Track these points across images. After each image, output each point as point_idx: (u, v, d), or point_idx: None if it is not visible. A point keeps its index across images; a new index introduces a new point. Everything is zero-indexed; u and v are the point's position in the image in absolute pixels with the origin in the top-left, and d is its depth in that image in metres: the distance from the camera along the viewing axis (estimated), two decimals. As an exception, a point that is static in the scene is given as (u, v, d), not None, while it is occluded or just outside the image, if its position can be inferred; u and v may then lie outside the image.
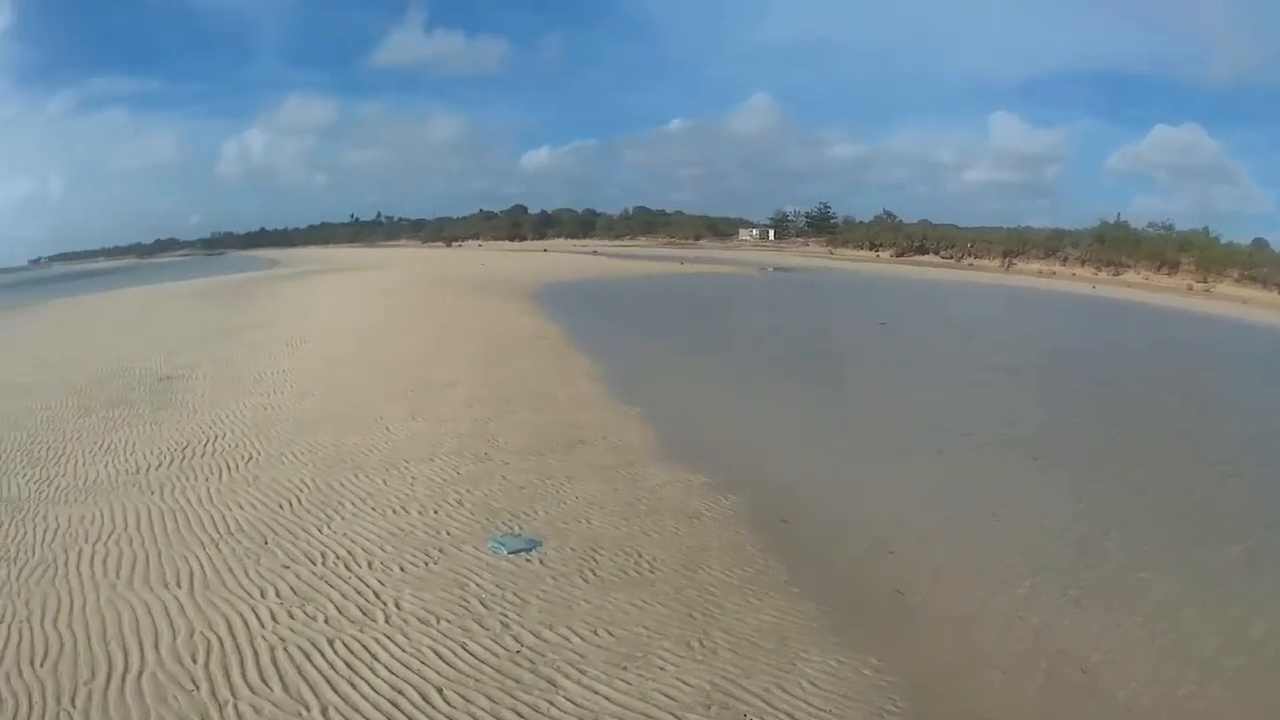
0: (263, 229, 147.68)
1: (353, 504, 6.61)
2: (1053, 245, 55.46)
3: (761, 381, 13.66)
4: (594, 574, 5.45)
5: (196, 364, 13.32)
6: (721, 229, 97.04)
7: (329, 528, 6.11)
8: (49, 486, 7.25)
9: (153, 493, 6.98)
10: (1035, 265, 53.83)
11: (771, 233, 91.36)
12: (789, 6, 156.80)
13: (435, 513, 6.43)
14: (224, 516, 6.34)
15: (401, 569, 5.45)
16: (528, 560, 5.60)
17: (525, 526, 6.22)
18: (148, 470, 7.62)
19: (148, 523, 6.28)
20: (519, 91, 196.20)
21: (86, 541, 5.91)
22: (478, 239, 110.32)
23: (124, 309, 26.84)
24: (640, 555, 5.78)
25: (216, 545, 5.80)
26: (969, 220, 72.75)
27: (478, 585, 5.23)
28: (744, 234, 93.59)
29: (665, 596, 5.15)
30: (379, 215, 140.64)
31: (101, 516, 6.43)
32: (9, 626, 4.64)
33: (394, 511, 6.44)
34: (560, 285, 33.14)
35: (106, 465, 7.82)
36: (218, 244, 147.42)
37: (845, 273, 49.28)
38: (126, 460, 7.97)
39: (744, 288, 39.38)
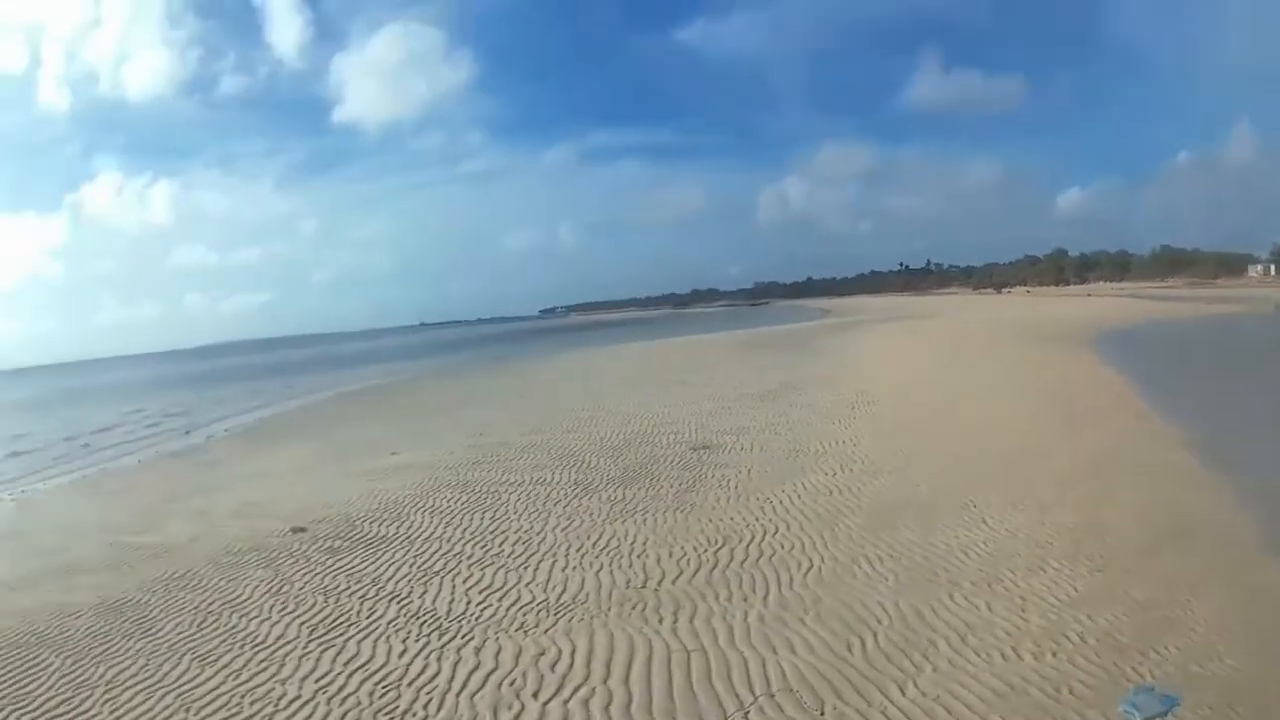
0: (809, 278, 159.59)
1: (948, 643, 4.68)
2: None
3: None
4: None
5: (741, 429, 11.35)
6: (1233, 266, 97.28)
7: (915, 684, 4.24)
8: (495, 597, 5.71)
9: (659, 620, 5.13)
10: None
11: (1273, 268, 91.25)
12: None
13: (1053, 655, 4.57)
14: (764, 664, 4.45)
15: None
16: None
17: (1156, 671, 4.47)
18: (658, 582, 5.76)
19: (642, 669, 4.48)
20: (1041, 130, 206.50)
21: (534, 695, 4.32)
22: (1024, 285, 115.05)
23: (654, 361, 26.28)
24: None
25: (747, 714, 4.04)
26: None
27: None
28: (1251, 270, 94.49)
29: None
30: (928, 263, 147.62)
31: (564, 653, 4.75)
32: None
33: (1002, 656, 4.57)
34: (1113, 332, 29.20)
35: (596, 570, 6.03)
36: (761, 294, 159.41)
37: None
38: (628, 565, 6.13)
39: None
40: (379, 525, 7.89)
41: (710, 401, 14.51)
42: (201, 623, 5.70)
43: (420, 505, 8.55)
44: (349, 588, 6.21)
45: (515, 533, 7.29)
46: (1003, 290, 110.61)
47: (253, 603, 6.03)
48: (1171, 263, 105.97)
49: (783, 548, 6.30)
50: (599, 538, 6.92)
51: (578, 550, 6.60)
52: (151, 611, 5.98)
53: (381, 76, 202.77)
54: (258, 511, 8.92)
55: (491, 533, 7.36)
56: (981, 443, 9.58)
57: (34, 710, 4.60)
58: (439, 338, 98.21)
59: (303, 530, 7.85)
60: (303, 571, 6.66)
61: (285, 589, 6.26)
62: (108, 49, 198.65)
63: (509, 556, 6.61)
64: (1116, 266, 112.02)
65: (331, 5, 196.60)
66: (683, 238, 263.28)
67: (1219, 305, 47.24)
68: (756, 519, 7.10)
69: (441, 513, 8.26)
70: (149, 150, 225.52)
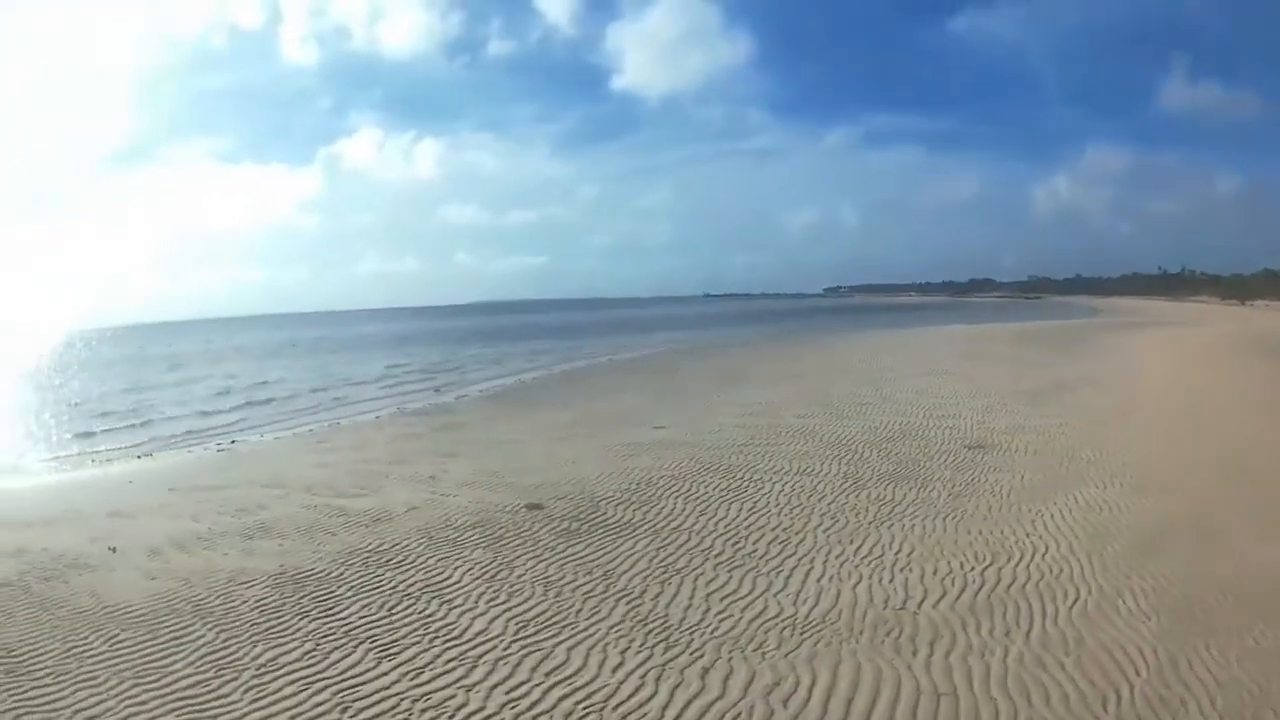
0: (1078, 275, 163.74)
1: (1197, 704, 3.72)
2: None
3: None
4: None
5: (1018, 429, 10.54)
6: None
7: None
8: (738, 607, 4.74)
9: (913, 651, 4.23)
10: None
11: None
12: None
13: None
14: (1016, 716, 3.64)
15: None
16: None
17: None
18: (919, 603, 4.86)
19: (885, 712, 3.65)
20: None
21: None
22: (1263, 298, 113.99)
23: (939, 347, 25.57)
24: None
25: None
26: None
27: None
28: None
29: None
30: (1183, 269, 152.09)
31: (801, 684, 3.85)
32: None
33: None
34: None
35: (854, 584, 5.16)
36: (1035, 288, 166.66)
37: None
38: (889, 579, 5.23)
39: None
40: (625, 508, 6.72)
41: (985, 396, 13.54)
42: (394, 607, 4.69)
43: (674, 489, 7.41)
44: (575, 580, 5.00)
45: (773, 529, 6.25)
46: (1246, 302, 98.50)
47: (460, 589, 4.97)
48: None
49: (1050, 572, 5.45)
50: (862, 543, 5.96)
51: (837, 557, 5.66)
52: (338, 588, 5.05)
53: (660, 48, 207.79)
54: (494, 482, 8.05)
55: (747, 527, 6.31)
56: (1248, 462, 8.53)
57: (160, 690, 3.74)
58: (722, 310, 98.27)
59: (539, 508, 6.78)
60: (527, 556, 5.50)
61: (501, 575, 5.14)
62: (360, 5, 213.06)
63: (761, 558, 5.59)
64: None
65: None
66: (959, 225, 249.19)
67: None
68: (1027, 535, 6.27)
69: (696, 499, 7.11)
70: (411, 108, 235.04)
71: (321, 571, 5.36)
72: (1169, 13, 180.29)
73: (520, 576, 5.08)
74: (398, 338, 51.76)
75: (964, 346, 25.25)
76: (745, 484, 7.65)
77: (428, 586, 5.01)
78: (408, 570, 5.35)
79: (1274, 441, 9.76)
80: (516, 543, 5.83)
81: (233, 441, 12.47)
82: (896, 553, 5.70)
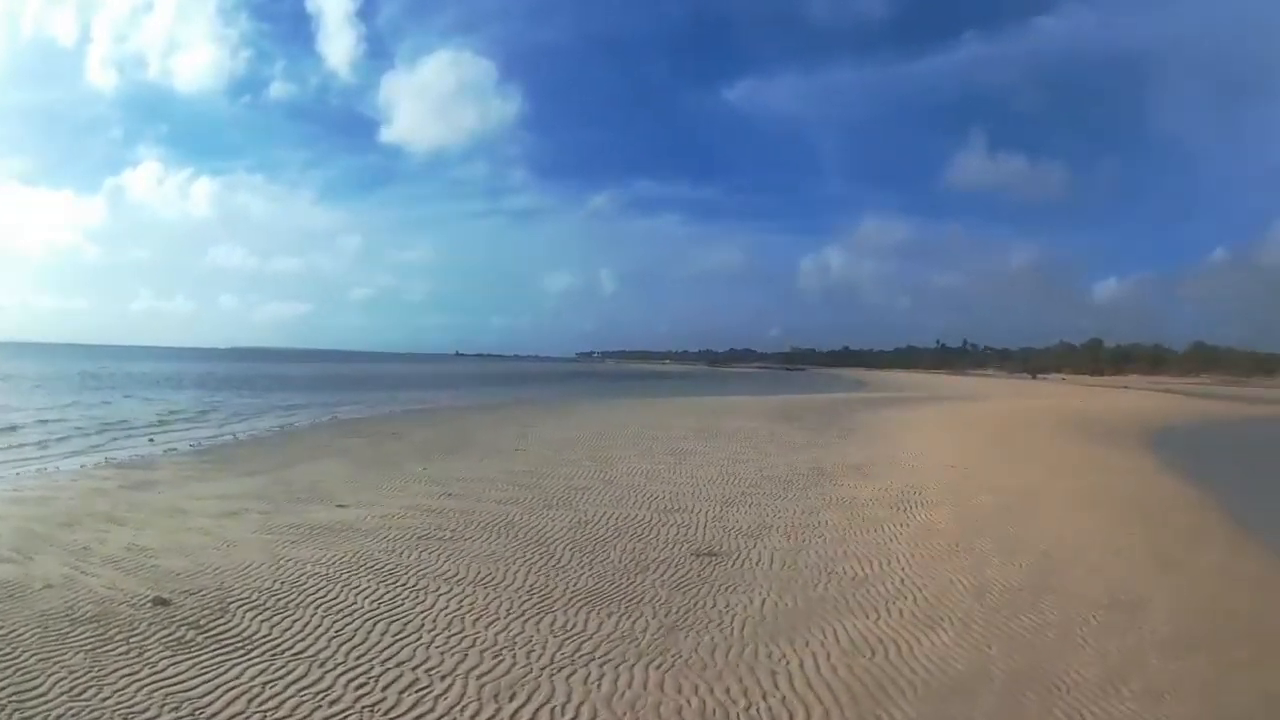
0: (846, 348, 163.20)
1: None
2: None
3: None
4: None
5: (763, 529, 9.19)
6: (1268, 365, 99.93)
7: None
8: None
9: None
10: None
11: None
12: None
13: None
14: None
15: None
16: None
17: None
18: None
19: None
20: (1081, 218, 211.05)
21: None
22: (1059, 372, 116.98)
23: (684, 420, 24.03)
24: None
25: None
26: None
27: None
28: None
29: None
30: (965, 342, 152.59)
31: None
32: None
33: None
34: (1165, 430, 27.56)
35: None
36: (798, 359, 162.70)
37: None
38: None
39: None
40: (255, 616, 6.04)
41: (727, 483, 12.26)
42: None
43: (320, 594, 6.63)
44: (157, 717, 4.46)
45: (414, 668, 5.10)
46: (1037, 376, 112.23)
47: (42, 703, 4.48)
48: (1205, 359, 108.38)
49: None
50: (524, 702, 4.67)
51: (486, 720, 4.46)
52: None
53: (432, 101, 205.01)
54: (139, 563, 7.31)
55: (384, 661, 5.19)
56: (1062, 581, 7.40)
57: None
58: (470, 370, 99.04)
59: (165, 603, 6.16)
60: (122, 673, 4.92)
61: (89, 694, 4.61)
62: (158, 35, 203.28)
63: (384, 714, 4.48)
64: (1152, 360, 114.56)
65: (385, 23, 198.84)
66: (722, 295, 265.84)
67: (1263, 407, 48.09)
68: (764, 695, 4.73)
69: (340, 611, 6.18)
70: (193, 144, 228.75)
71: None
72: (971, 87, 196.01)
73: (104, 700, 4.56)
74: (155, 379, 50.35)
75: (711, 421, 24.17)
76: (405, 594, 6.64)
77: (14, 696, 4.48)
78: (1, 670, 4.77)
79: (1086, 546, 8.66)
80: (121, 650, 5.23)
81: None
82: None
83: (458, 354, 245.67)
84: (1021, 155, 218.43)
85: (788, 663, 5.27)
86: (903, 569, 7.64)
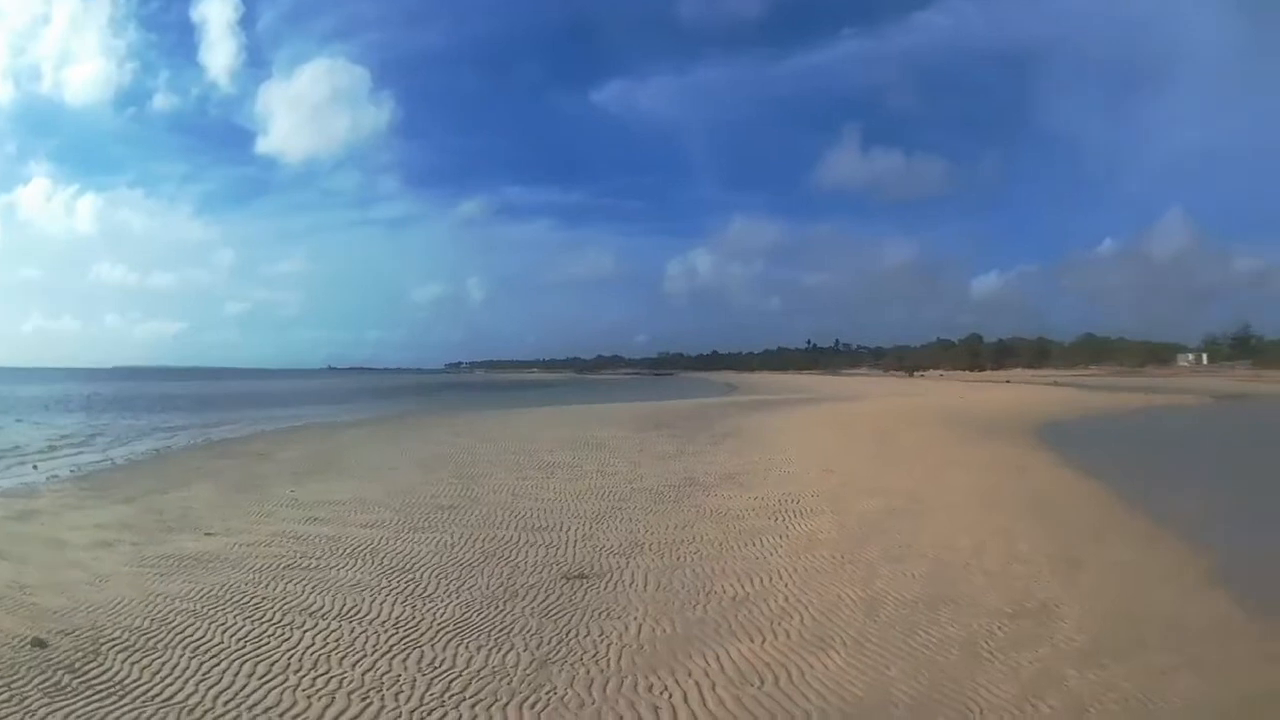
0: (715, 351, 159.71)
1: None
2: None
3: None
4: None
5: (635, 546, 8.86)
6: (1161, 355, 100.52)
7: None
8: None
9: None
10: None
11: (1205, 357, 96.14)
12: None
13: None
14: None
15: None
16: None
17: None
18: None
19: None
20: (961, 213, 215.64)
21: None
22: (938, 369, 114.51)
23: (551, 432, 23.51)
24: None
25: None
26: None
27: None
28: (1181, 360, 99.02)
29: None
30: (837, 342, 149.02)
31: None
32: None
33: None
34: (1054, 424, 28.26)
35: None
36: (666, 364, 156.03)
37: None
38: None
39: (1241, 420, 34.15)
40: (125, 658, 6.13)
41: (597, 498, 12.01)
42: None
43: (188, 632, 6.55)
44: None
45: (281, 714, 4.97)
46: (914, 374, 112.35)
47: None
48: (1094, 351, 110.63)
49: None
50: None
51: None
52: None
53: (306, 110, 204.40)
54: (16, 600, 7.33)
55: (251, 706, 5.07)
56: (959, 590, 7.18)
57: None
58: (342, 385, 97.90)
59: (43, 645, 6.32)
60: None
61: None
62: (53, 47, 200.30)
63: None
64: (1036, 353, 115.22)
65: (264, 31, 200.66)
66: (591, 301, 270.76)
67: (1154, 396, 49.84)
68: None
69: (207, 651, 6.12)
70: (79, 160, 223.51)
71: None
72: (846, 84, 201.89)
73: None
74: (45, 402, 50.03)
75: (580, 431, 24.06)
76: (271, 630, 6.52)
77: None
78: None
79: (984, 549, 8.52)
80: (5, 697, 5.28)
81: None
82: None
83: (330, 368, 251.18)
84: (898, 151, 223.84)
85: (670, 695, 5.02)
86: (786, 585, 7.36)
